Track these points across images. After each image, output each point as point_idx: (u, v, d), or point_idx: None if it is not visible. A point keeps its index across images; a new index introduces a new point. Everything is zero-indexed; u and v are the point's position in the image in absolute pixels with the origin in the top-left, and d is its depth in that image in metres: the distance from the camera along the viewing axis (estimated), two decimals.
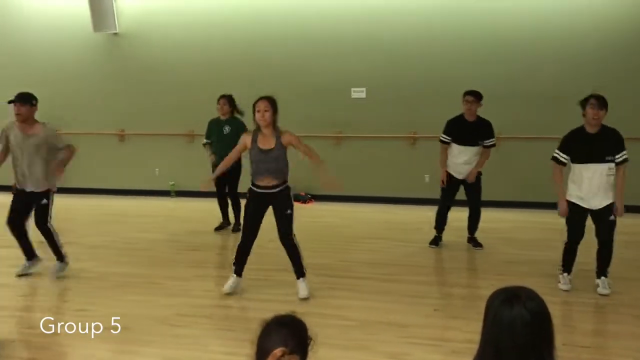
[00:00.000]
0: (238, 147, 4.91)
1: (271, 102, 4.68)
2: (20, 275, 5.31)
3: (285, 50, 8.72)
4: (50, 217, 5.32)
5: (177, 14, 9.01)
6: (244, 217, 4.92)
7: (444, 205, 6.36)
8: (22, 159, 5.14)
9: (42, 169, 5.17)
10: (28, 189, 5.21)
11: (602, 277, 4.85)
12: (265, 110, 4.62)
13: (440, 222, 6.39)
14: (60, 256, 5.39)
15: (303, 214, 5.44)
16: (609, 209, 4.76)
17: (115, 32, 9.12)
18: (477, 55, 8.14)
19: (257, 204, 4.81)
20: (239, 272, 4.96)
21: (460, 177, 6.20)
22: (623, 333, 4.12)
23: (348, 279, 5.29)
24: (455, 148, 6.11)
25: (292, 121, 6.34)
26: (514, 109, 7.99)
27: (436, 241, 6.39)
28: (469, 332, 4.06)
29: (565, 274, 5.00)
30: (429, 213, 7.23)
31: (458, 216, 6.44)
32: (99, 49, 9.35)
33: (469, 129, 6.03)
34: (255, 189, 4.80)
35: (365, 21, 8.44)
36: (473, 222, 6.35)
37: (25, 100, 5.11)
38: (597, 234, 4.84)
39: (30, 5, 9.47)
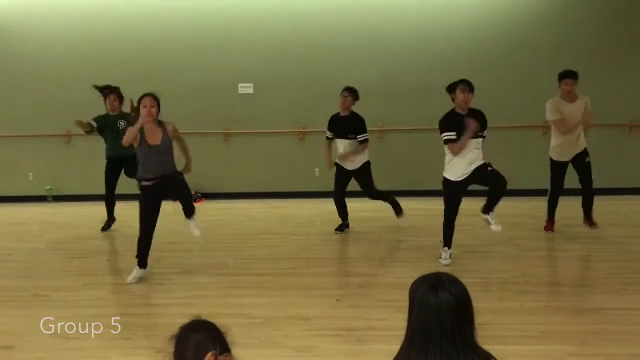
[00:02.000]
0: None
1: (155, 98, 4.89)
2: None
3: (171, 45, 8.43)
4: None
5: (46, 7, 8.41)
6: (143, 211, 5.01)
7: (338, 192, 6.62)
8: None
9: None
10: None
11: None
12: (152, 106, 4.81)
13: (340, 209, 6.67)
14: None
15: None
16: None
17: None
18: (357, 52, 8.37)
19: (154, 195, 4.98)
20: (142, 264, 5.15)
21: (348, 167, 6.49)
22: (509, 309, 4.44)
23: (247, 276, 5.26)
24: (337, 141, 6.51)
25: (179, 117, 6.19)
26: (392, 103, 8.32)
27: (341, 227, 6.65)
28: (371, 319, 4.23)
29: (446, 248, 5.40)
30: (321, 205, 7.39)
31: (354, 206, 6.65)
32: None
33: (342, 123, 6.43)
34: (148, 182, 4.92)
35: (253, 17, 8.37)
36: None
37: None
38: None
39: None
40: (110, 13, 8.44)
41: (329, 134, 6.60)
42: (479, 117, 5.20)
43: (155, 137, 4.89)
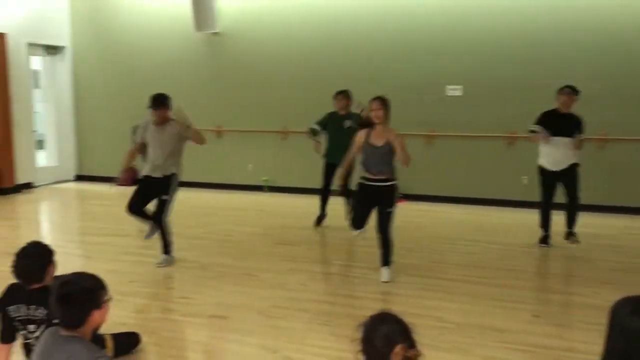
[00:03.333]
0: (355, 144, 5.28)
1: (383, 101, 5.12)
2: (148, 237, 5.81)
3: (379, 47, 8.71)
4: (168, 214, 5.65)
5: (274, 13, 9.21)
6: (354, 205, 5.32)
7: (545, 201, 6.30)
8: (158, 152, 5.54)
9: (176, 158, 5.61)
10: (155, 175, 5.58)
11: None
12: (378, 109, 5.04)
13: (544, 219, 6.34)
14: (167, 249, 5.70)
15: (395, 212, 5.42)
16: None
17: (215, 31, 9.46)
18: (581, 51, 7.78)
19: (364, 194, 5.18)
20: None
21: (555, 169, 6.15)
22: None
23: (442, 280, 5.23)
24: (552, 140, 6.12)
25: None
26: (621, 109, 7.59)
27: (545, 240, 6.34)
28: (572, 340, 3.95)
29: None
30: (527, 215, 7.03)
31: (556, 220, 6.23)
32: (200, 48, 9.73)
33: (562, 121, 6.07)
34: (364, 181, 5.15)
35: (461, 18, 8.28)
36: (571, 215, 6.28)
37: (162, 105, 5.52)
38: None
39: (140, 5, 9.99)
40: (322, 18, 8.96)
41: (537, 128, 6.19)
42: None
43: (379, 139, 5.07)
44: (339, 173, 5.80)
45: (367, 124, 5.19)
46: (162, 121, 5.53)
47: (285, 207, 8.50)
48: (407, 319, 2.12)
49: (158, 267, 5.58)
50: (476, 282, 5.17)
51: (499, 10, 8.10)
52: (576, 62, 7.79)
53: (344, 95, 6.96)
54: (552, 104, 6.28)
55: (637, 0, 7.54)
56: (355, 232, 5.42)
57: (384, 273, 5.20)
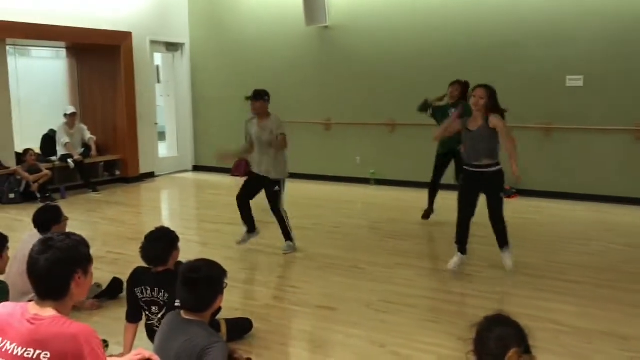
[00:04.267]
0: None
1: (488, 89, 4.94)
2: (239, 243, 5.90)
3: (493, 36, 8.39)
4: (282, 203, 5.79)
5: (384, 5, 9.15)
6: (459, 195, 5.16)
7: None
8: (258, 148, 5.70)
9: (273, 157, 5.68)
10: (261, 174, 5.73)
11: None
12: (481, 98, 4.88)
13: None
14: (288, 237, 5.85)
15: (507, 208, 5.19)
16: None
17: (325, 25, 9.55)
18: None
19: (470, 183, 5.08)
20: (462, 250, 5.20)
21: None
22: None
23: (558, 281, 4.96)
24: None
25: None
26: None
27: None
28: None
29: None
30: None
31: None
32: (310, 42, 9.86)
33: None
34: (468, 168, 5.06)
35: (583, 6, 7.78)
36: None
37: (259, 97, 5.65)
38: None
39: (253, 1, 10.30)
40: (433, 10, 8.76)
41: None
42: None
43: (475, 124, 4.97)
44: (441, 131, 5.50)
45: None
46: (262, 114, 5.65)
47: (392, 200, 8.45)
48: (522, 321, 2.03)
49: (284, 254, 5.74)
50: (597, 284, 4.86)
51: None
52: None
53: (459, 84, 6.71)
54: None
55: None
56: (452, 263, 5.23)
57: (506, 257, 5.12)
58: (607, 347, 3.70)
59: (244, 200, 5.81)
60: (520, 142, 5.37)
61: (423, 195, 7.13)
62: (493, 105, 4.91)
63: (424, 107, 6.81)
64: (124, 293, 3.96)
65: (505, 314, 2.09)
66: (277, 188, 5.73)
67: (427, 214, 7.06)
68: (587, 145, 8.02)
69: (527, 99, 8.17)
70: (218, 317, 3.66)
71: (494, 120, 4.88)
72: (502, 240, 5.12)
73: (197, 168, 11.39)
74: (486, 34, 8.43)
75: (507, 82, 8.04)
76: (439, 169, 6.90)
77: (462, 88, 6.70)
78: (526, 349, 1.94)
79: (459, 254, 5.21)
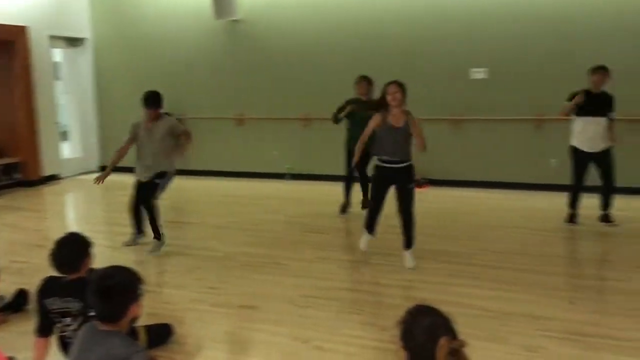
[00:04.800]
0: (370, 126, 5.23)
1: (400, 84, 5.05)
2: (127, 244, 5.84)
3: (402, 31, 8.57)
4: (156, 197, 5.73)
5: None
6: (373, 188, 5.29)
7: (576, 181, 6.29)
8: (146, 150, 5.68)
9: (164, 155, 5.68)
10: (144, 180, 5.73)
11: None
12: (396, 92, 4.99)
13: (574, 199, 6.37)
14: (157, 234, 5.75)
15: (423, 199, 5.32)
16: None
17: (235, 18, 9.38)
18: (607, 30, 7.57)
19: (382, 177, 5.17)
20: (371, 231, 5.39)
21: (589, 150, 6.11)
22: None
23: (472, 266, 5.14)
24: (580, 121, 6.10)
25: (408, 104, 6.25)
26: None
27: (572, 219, 6.37)
28: (610, 327, 3.86)
29: None
30: (556, 199, 6.91)
31: (589, 203, 6.10)
32: (220, 36, 9.66)
33: (595, 101, 6.02)
34: (382, 164, 5.12)
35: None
36: (606, 196, 6.27)
37: (152, 104, 5.66)
38: None
39: None
40: (345, 3, 8.82)
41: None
42: None
43: (399, 121, 5.05)
44: (356, 155, 5.65)
45: (378, 106, 5.10)
46: (154, 119, 5.67)
47: (309, 194, 8.46)
48: (444, 308, 2.04)
49: (150, 254, 5.64)
50: (507, 267, 5.08)
51: None
52: (606, 41, 7.58)
53: (365, 80, 6.85)
54: (581, 84, 6.14)
55: None
56: (364, 241, 5.42)
57: (408, 258, 5.17)
58: (524, 328, 3.86)
59: (137, 205, 5.82)
60: (430, 134, 5.56)
61: (340, 188, 7.17)
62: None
63: (336, 119, 6.92)
64: (31, 305, 3.70)
65: (428, 304, 2.10)
66: (157, 180, 5.68)
67: (344, 208, 7.13)
68: (494, 134, 8.37)
69: (434, 92, 8.41)
70: (136, 324, 3.49)
71: (412, 120, 5.04)
72: (408, 238, 5.19)
73: (104, 169, 10.84)
74: (394, 28, 8.59)
75: (415, 75, 8.24)
76: (351, 163, 6.95)
77: (368, 84, 6.82)
78: (454, 335, 1.96)
79: (368, 234, 5.39)
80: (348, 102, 6.91)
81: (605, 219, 6.28)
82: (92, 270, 3.13)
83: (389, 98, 5.01)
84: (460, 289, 4.60)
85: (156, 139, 5.66)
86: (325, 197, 8.06)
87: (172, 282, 5.02)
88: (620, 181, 6.38)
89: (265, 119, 9.57)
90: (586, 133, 6.08)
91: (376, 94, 5.77)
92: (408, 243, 5.20)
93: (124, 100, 10.43)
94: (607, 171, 6.16)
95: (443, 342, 1.90)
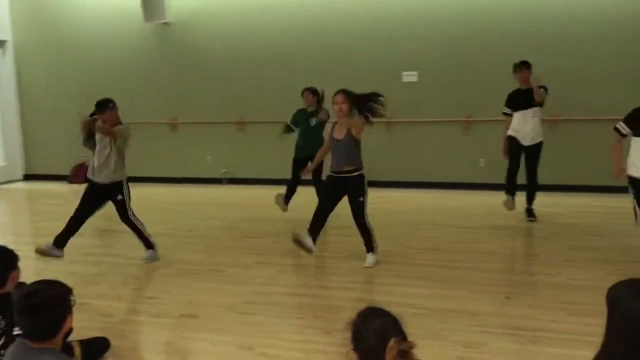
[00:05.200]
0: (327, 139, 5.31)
1: (346, 93, 5.04)
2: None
3: (335, 36, 8.64)
4: (130, 210, 5.48)
5: (225, 2, 9.02)
6: (322, 192, 5.44)
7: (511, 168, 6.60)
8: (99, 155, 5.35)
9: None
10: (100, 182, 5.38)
11: None
12: (342, 103, 4.96)
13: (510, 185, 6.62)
14: (149, 245, 5.53)
15: None
16: None
17: (165, 21, 9.19)
18: (531, 32, 7.91)
19: (335, 186, 5.20)
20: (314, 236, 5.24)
21: (524, 142, 6.45)
22: None
23: (411, 266, 5.25)
24: (517, 116, 6.43)
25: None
26: (575, 90, 7.74)
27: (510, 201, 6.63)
28: (543, 320, 4.01)
29: None
30: (486, 198, 7.15)
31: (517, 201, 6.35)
32: (150, 39, 9.45)
33: (526, 97, 6.33)
34: (332, 174, 5.18)
35: (415, 3, 8.29)
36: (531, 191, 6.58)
37: (104, 108, 5.24)
38: None
39: None
40: (278, 7, 8.82)
41: (507, 110, 6.53)
42: None
43: (340, 133, 5.08)
44: (309, 167, 5.71)
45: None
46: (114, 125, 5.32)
47: (246, 199, 8.39)
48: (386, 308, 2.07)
49: (145, 263, 5.43)
50: (445, 266, 5.21)
51: None
52: (527, 45, 7.91)
53: (310, 91, 6.91)
54: (507, 86, 6.41)
55: None
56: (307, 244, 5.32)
57: (369, 259, 5.22)
58: (463, 325, 3.96)
59: (84, 218, 5.47)
60: (363, 136, 5.67)
61: (277, 191, 7.15)
62: (356, 104, 5.03)
63: (288, 129, 6.97)
64: None
65: (376, 306, 2.12)
66: (120, 197, 5.41)
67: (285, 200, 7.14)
68: (425, 136, 8.57)
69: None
70: (70, 339, 3.34)
71: (353, 123, 5.03)
72: (367, 244, 5.26)
73: (29, 177, 10.41)
74: (325, 32, 8.66)
75: (349, 79, 8.32)
76: (297, 170, 6.97)
77: (315, 94, 6.87)
78: (404, 337, 1.99)
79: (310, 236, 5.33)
80: (295, 115, 6.99)
81: (528, 212, 6.57)
82: (20, 284, 2.97)
83: (335, 108, 5.02)
84: (402, 289, 4.67)
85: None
86: (262, 201, 7.98)
87: (108, 294, 4.84)
88: (546, 179, 6.66)
89: (199, 123, 9.42)
90: (524, 126, 6.39)
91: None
92: (367, 248, 5.26)
93: (49, 106, 10.01)
94: (533, 166, 6.48)
95: (392, 343, 1.92)
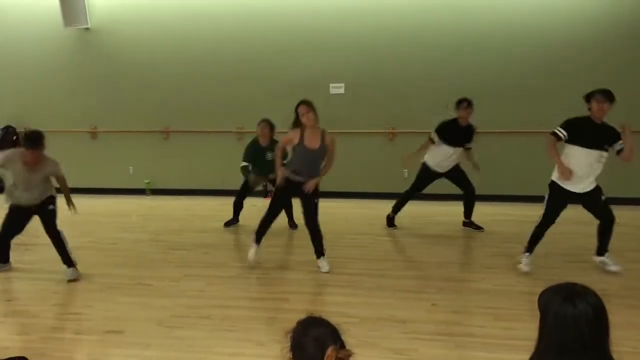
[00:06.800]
0: (285, 142, 5.45)
1: (308, 104, 5.18)
2: None
3: (260, 45, 8.64)
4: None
5: (149, 9, 8.82)
6: (274, 198, 5.44)
7: (412, 191, 6.87)
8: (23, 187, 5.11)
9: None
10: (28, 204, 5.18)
11: (606, 254, 5.26)
12: (307, 112, 5.11)
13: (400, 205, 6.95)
14: (69, 262, 5.29)
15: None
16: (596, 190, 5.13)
17: (86, 27, 8.88)
18: (454, 50, 8.23)
19: (287, 191, 5.39)
20: (258, 242, 5.51)
21: (441, 170, 6.66)
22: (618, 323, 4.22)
23: (341, 275, 5.29)
24: (446, 149, 6.50)
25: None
26: (490, 105, 8.10)
27: (392, 222, 6.97)
28: (471, 325, 4.16)
29: (527, 254, 5.36)
30: (410, 207, 7.31)
31: (440, 210, 6.54)
32: (70, 45, 9.09)
33: (462, 133, 6.50)
34: (291, 177, 5.27)
35: (343, 16, 8.42)
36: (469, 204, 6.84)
37: (37, 144, 4.94)
38: (596, 213, 5.17)
39: None
40: (202, 15, 8.72)
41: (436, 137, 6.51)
42: None
43: (314, 142, 5.19)
44: (277, 182, 5.63)
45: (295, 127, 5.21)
46: (35, 161, 5.04)
47: (171, 210, 8.19)
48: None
49: (68, 282, 5.17)
50: (374, 274, 5.29)
51: (378, 10, 8.33)
52: (449, 62, 8.22)
53: (266, 124, 6.81)
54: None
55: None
56: (252, 254, 5.49)
57: (323, 264, 5.36)
58: (392, 332, 4.04)
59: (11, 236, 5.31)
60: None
61: (203, 202, 7.06)
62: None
63: (246, 170, 6.90)
64: None
65: (316, 315, 2.14)
66: (52, 207, 5.24)
67: (230, 223, 7.11)
68: (350, 147, 8.68)
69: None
70: None
71: (330, 140, 5.25)
72: (318, 248, 5.42)
73: None
74: (251, 43, 8.63)
75: (276, 90, 8.36)
76: (247, 191, 7.01)
77: (270, 129, 6.82)
78: (342, 345, 2.01)
79: (255, 245, 5.50)
80: (248, 148, 6.88)
81: (470, 224, 6.85)
82: None
83: (303, 119, 5.11)
84: (332, 298, 4.72)
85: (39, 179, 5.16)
86: (188, 212, 7.86)
87: (28, 311, 4.59)
88: (479, 189, 6.92)
89: (121, 132, 9.14)
90: (449, 162, 6.57)
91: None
92: (318, 253, 5.41)
93: None
94: (464, 180, 6.72)
95: (330, 352, 1.94)
